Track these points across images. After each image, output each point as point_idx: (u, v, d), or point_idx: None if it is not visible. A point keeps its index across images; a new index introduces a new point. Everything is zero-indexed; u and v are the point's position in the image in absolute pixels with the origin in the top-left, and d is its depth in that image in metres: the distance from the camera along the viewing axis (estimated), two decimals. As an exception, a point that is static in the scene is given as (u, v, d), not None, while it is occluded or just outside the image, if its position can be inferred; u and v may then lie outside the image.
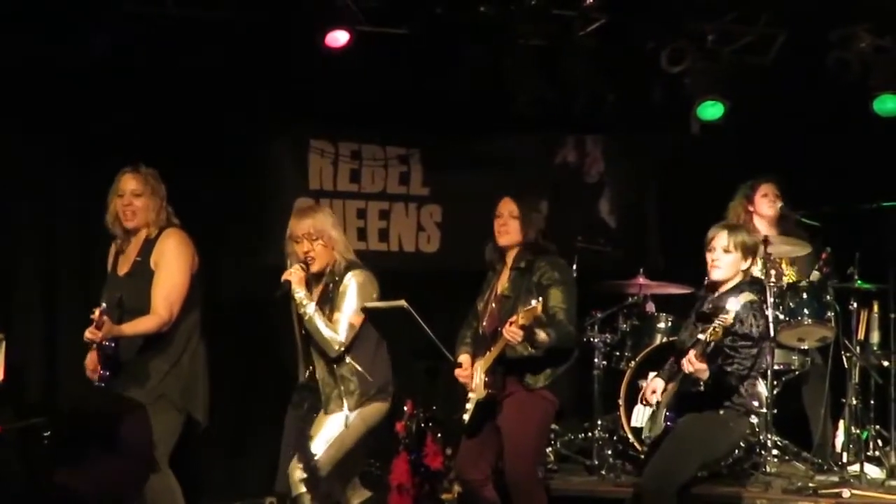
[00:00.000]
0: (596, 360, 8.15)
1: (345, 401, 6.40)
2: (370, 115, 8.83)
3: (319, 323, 6.40)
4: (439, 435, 6.57)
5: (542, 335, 6.18)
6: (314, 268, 6.49)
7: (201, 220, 6.95)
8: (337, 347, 6.40)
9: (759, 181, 8.13)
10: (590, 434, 8.11)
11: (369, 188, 9.11)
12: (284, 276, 6.44)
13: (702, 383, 5.99)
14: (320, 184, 9.03)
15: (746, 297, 6.12)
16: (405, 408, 6.71)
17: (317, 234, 6.49)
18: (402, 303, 6.29)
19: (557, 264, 6.49)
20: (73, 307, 7.76)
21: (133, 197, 6.51)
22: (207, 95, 8.21)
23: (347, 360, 6.42)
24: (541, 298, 6.12)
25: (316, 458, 6.30)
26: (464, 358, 6.55)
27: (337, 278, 6.49)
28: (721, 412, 6.11)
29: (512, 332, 6.10)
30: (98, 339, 6.22)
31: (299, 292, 6.43)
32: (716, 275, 6.27)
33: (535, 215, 6.58)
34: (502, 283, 6.55)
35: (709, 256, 6.31)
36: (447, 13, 8.13)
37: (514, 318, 6.10)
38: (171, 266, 6.45)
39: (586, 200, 9.56)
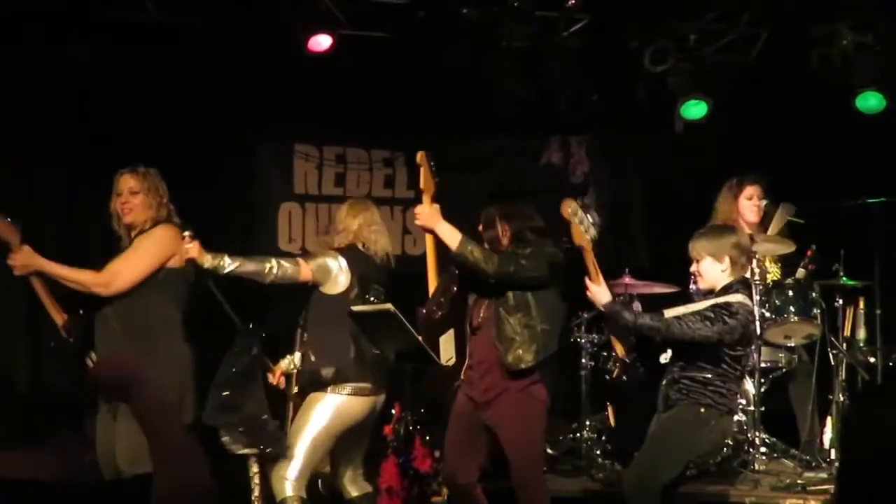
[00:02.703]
0: (583, 360, 8.15)
1: (329, 383, 6.44)
2: (354, 119, 8.84)
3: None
4: (428, 437, 6.57)
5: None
6: None
7: (187, 225, 6.93)
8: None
9: (743, 183, 8.10)
10: (578, 434, 8.12)
11: (354, 192, 9.11)
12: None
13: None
14: (305, 188, 9.04)
15: (735, 297, 6.06)
16: (393, 411, 6.71)
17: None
18: (389, 306, 6.30)
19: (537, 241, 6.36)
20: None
21: (130, 195, 6.52)
22: (191, 101, 8.21)
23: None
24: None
25: None
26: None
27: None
28: (702, 410, 6.08)
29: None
30: (20, 266, 6.23)
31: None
32: (702, 285, 6.24)
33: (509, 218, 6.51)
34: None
35: (691, 269, 6.31)
36: (429, 15, 8.13)
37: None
38: (141, 246, 6.43)
39: (572, 201, 9.56)
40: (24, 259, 6.25)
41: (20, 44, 7.63)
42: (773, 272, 8.08)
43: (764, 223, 8.07)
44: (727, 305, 5.99)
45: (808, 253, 7.80)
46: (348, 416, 6.34)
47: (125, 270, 6.39)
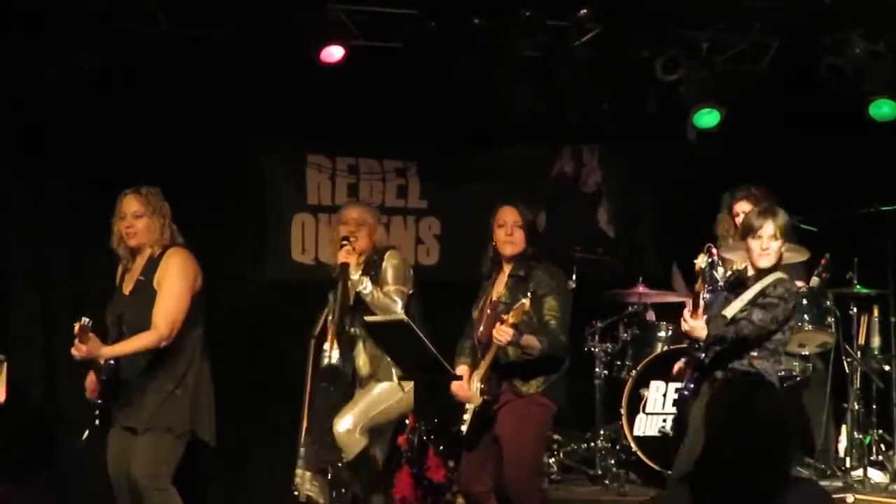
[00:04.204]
0: (597, 369, 8.15)
1: (393, 370, 6.78)
2: (366, 130, 8.85)
3: (379, 295, 6.84)
4: (441, 448, 6.57)
5: (532, 340, 6.18)
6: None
7: (200, 237, 6.94)
8: (396, 312, 6.77)
9: (734, 200, 8.02)
10: (592, 444, 8.11)
11: (368, 202, 9.11)
12: (341, 258, 6.85)
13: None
14: (318, 199, 9.05)
15: (779, 275, 6.04)
16: (406, 421, 6.71)
17: (361, 223, 7.01)
18: (402, 317, 6.34)
19: (554, 273, 6.46)
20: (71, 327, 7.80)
21: (134, 219, 6.48)
22: (204, 113, 8.23)
23: None
24: (529, 294, 6.16)
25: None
26: (462, 369, 6.53)
27: (376, 257, 6.98)
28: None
29: (503, 332, 6.11)
30: (84, 355, 6.20)
31: (356, 273, 6.84)
32: (764, 262, 6.06)
33: (537, 222, 6.59)
34: (498, 291, 6.51)
35: (755, 244, 6.08)
36: (441, 26, 8.14)
37: (504, 317, 6.13)
38: (174, 284, 6.43)
39: (584, 210, 9.57)
40: (91, 349, 6.21)
41: (27, 56, 7.63)
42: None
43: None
44: (774, 289, 5.95)
45: (822, 261, 7.78)
46: None
47: (177, 315, 6.37)
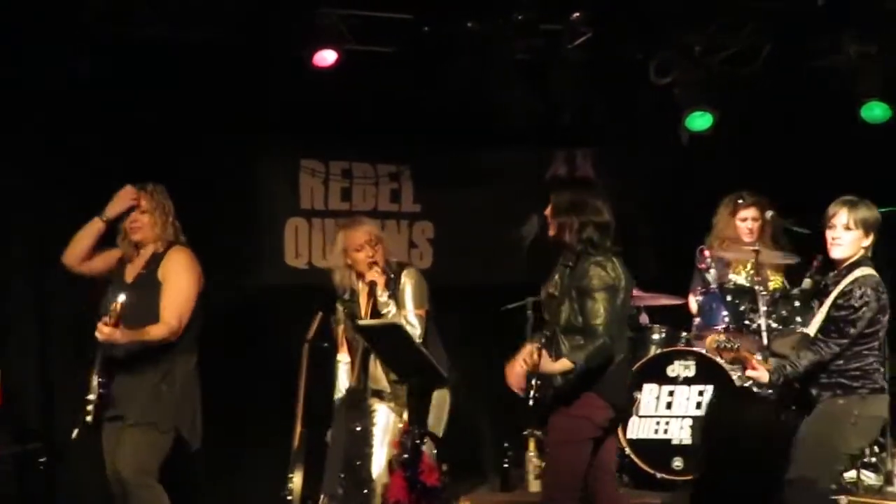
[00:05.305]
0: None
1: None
2: (360, 134, 8.85)
3: (401, 319, 6.71)
4: (434, 451, 6.57)
5: (562, 364, 5.86)
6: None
7: (194, 242, 6.96)
8: (418, 339, 6.64)
9: (738, 206, 8.05)
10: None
11: (361, 206, 9.11)
12: (371, 277, 6.76)
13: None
14: (312, 203, 9.05)
15: (861, 271, 6.04)
16: (400, 425, 6.72)
17: (376, 240, 6.87)
18: (396, 321, 6.36)
19: (598, 265, 6.01)
20: (65, 332, 7.80)
21: (139, 213, 6.58)
22: (198, 117, 8.23)
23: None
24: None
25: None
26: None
27: (392, 275, 6.87)
28: (841, 402, 6.04)
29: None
30: (107, 337, 6.22)
31: (383, 295, 6.73)
32: (836, 253, 6.11)
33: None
34: (554, 281, 6.18)
35: (829, 234, 6.13)
36: (434, 30, 8.15)
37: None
38: (181, 279, 6.51)
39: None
40: (113, 334, 6.25)
41: (20, 63, 7.64)
42: (774, 280, 8.09)
43: (767, 233, 8.07)
44: (850, 295, 5.98)
45: (815, 264, 7.79)
46: None
47: (184, 311, 6.48)
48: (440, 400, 6.74)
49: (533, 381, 5.83)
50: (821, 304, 6.17)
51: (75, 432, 6.56)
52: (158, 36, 7.93)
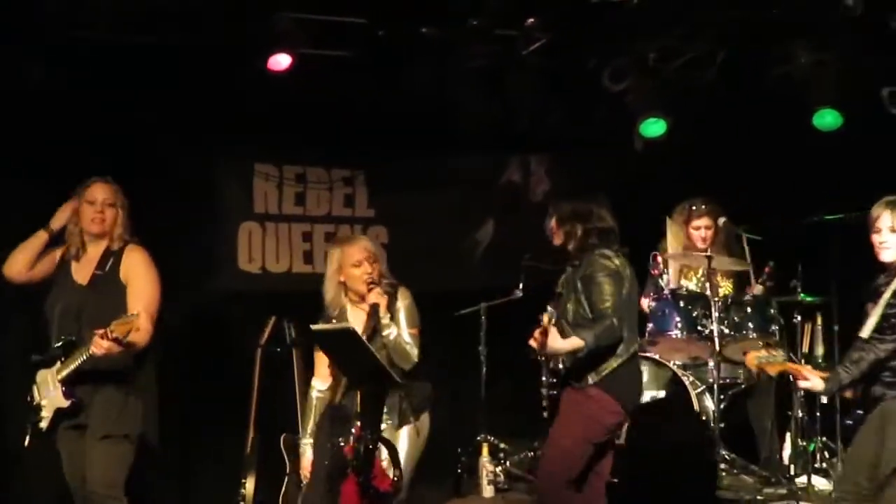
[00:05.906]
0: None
1: (410, 415, 6.62)
2: (314, 138, 8.84)
3: (400, 340, 6.59)
4: (387, 457, 6.55)
5: (573, 342, 5.95)
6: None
7: (146, 244, 6.91)
8: (414, 360, 6.59)
9: (692, 214, 8.10)
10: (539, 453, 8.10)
11: (315, 211, 9.11)
12: (373, 300, 6.55)
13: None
14: (265, 207, 9.03)
15: None
16: (353, 430, 6.70)
17: (374, 257, 6.72)
18: (349, 325, 6.34)
19: (602, 257, 6.18)
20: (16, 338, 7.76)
21: (106, 206, 6.55)
22: (151, 120, 8.19)
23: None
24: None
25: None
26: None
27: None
28: None
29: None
30: (108, 352, 6.11)
31: (385, 317, 6.57)
32: (886, 256, 5.93)
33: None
34: (561, 280, 6.37)
35: (875, 238, 5.94)
36: (389, 34, 8.14)
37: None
38: (147, 280, 6.47)
39: (532, 220, 9.56)
40: (112, 349, 6.13)
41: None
42: (725, 287, 8.14)
43: (719, 239, 8.12)
44: None
45: (766, 269, 7.86)
46: None
47: (152, 310, 6.41)
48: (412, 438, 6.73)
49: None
50: (874, 306, 6.03)
51: (27, 440, 6.49)
52: (113, 38, 7.88)
